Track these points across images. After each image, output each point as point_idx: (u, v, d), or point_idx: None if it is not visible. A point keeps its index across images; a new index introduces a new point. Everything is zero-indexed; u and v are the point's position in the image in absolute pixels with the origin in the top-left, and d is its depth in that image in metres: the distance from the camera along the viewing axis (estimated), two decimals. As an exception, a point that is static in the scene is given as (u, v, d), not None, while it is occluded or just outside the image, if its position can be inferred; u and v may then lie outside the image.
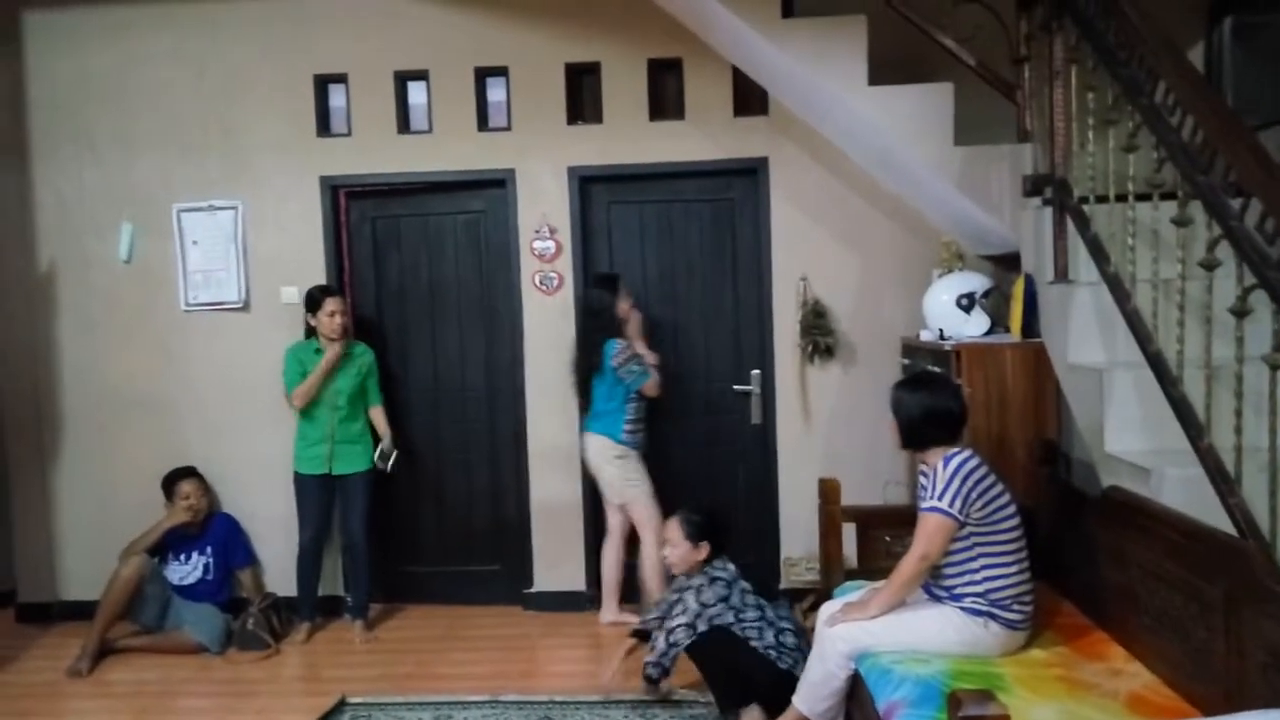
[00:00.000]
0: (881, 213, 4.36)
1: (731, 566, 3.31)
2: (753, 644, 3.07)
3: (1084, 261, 3.23)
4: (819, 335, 4.33)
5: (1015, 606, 2.65)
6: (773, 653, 3.06)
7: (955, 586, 2.68)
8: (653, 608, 3.54)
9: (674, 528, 3.38)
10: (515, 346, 4.55)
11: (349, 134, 4.55)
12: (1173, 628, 2.38)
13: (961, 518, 2.61)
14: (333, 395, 4.28)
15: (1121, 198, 2.86)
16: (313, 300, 4.29)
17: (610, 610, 4.29)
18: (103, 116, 4.58)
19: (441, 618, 4.51)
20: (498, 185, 4.53)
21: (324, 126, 4.57)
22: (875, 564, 3.34)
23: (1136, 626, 2.58)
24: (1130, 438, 2.79)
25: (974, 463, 2.68)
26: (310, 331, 4.34)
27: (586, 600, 4.53)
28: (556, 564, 4.56)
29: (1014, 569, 2.67)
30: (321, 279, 4.56)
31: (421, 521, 4.73)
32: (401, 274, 4.71)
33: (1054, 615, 2.91)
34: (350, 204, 4.72)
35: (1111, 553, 2.72)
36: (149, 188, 4.59)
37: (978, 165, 3.59)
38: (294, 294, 4.56)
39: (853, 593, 3.09)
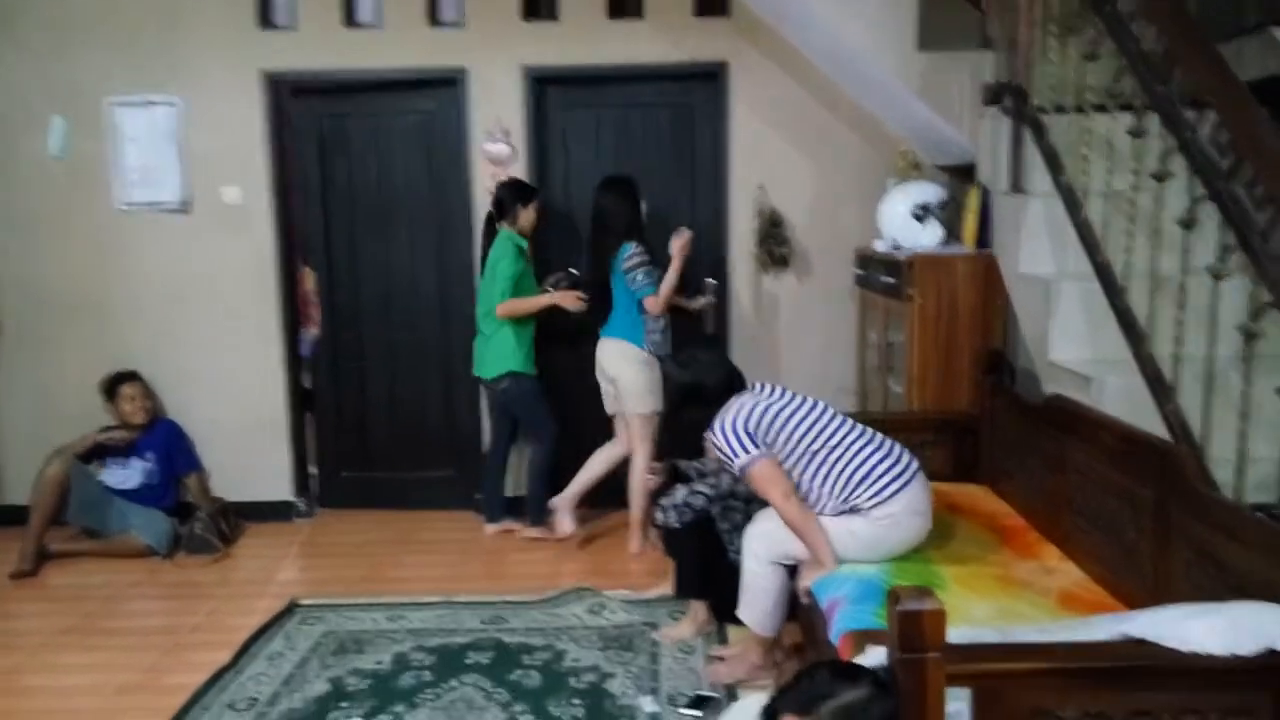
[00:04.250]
0: (842, 121, 4.31)
1: None
2: (729, 550, 3.11)
3: (1038, 172, 3.23)
4: (774, 245, 4.32)
5: (867, 487, 2.61)
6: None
7: (810, 506, 2.69)
8: (693, 462, 3.35)
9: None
10: (468, 253, 4.47)
11: (292, 26, 4.34)
12: (1104, 528, 2.46)
13: (764, 450, 2.63)
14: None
15: (1080, 108, 2.85)
16: (523, 193, 4.11)
17: (564, 508, 4.14)
18: (31, 2, 4.31)
19: (395, 522, 4.53)
20: (449, 84, 4.38)
21: (266, 18, 4.36)
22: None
23: (1070, 527, 2.67)
24: (1073, 347, 2.85)
25: (735, 410, 2.67)
26: (490, 222, 4.19)
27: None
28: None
29: (844, 456, 2.64)
30: (265, 180, 4.42)
31: (374, 428, 4.70)
32: (349, 176, 4.57)
33: (994, 517, 3.00)
34: (294, 102, 4.54)
35: (1051, 458, 2.79)
36: (82, 80, 4.36)
37: (939, 72, 3.54)
38: (236, 194, 4.42)
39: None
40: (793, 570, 2.78)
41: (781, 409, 2.69)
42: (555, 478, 4.22)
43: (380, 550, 4.20)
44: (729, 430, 2.65)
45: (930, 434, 3.38)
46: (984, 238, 3.45)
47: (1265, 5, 3.36)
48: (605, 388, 4.09)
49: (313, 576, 3.95)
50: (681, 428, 2.91)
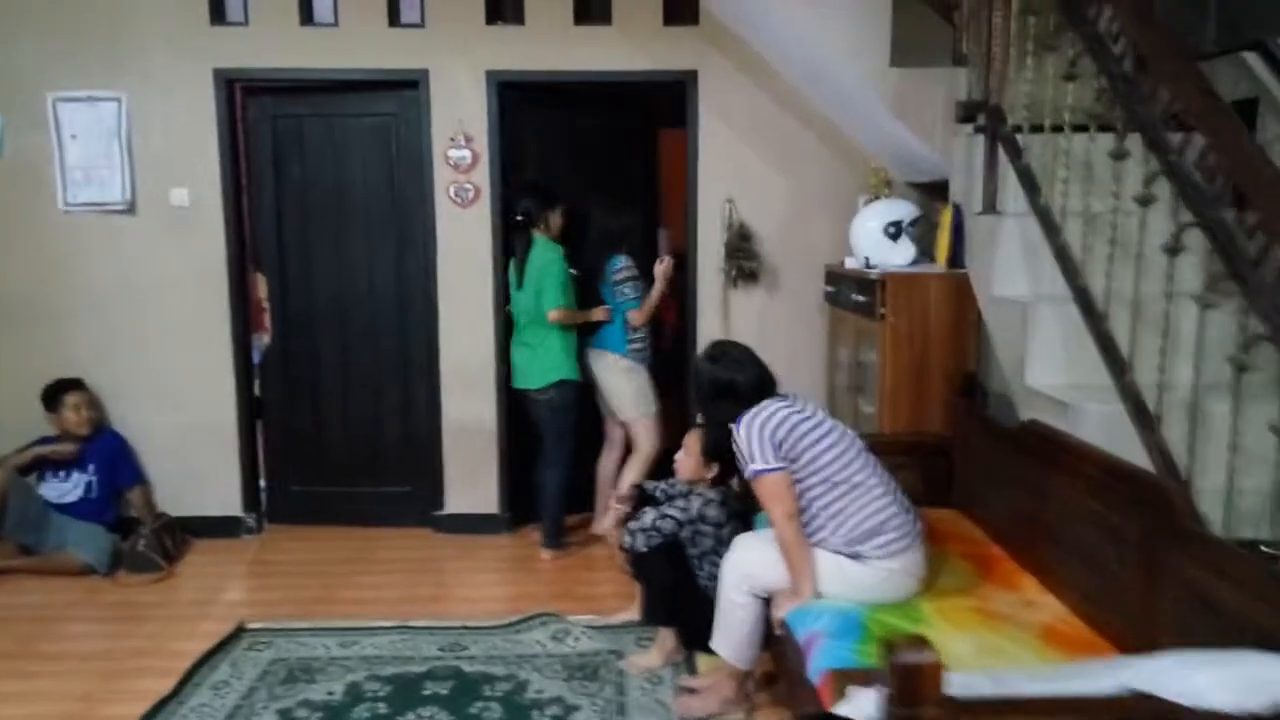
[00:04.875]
0: (812, 134, 4.25)
1: (736, 505, 3.18)
2: (699, 576, 3.01)
3: (1013, 192, 3.18)
4: (743, 259, 4.25)
5: (876, 538, 2.52)
6: (714, 589, 2.99)
7: (811, 533, 2.60)
8: (664, 481, 3.38)
9: (694, 438, 3.23)
10: (428, 260, 4.33)
11: (245, 23, 4.17)
12: (1086, 561, 2.41)
13: (784, 464, 2.55)
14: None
15: (1058, 128, 2.81)
16: (548, 197, 4.05)
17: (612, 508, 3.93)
18: (-36, -11, 4.10)
19: (348, 539, 4.36)
20: (410, 87, 4.24)
21: (218, 14, 4.18)
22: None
23: (1049, 558, 2.61)
24: (1050, 372, 2.80)
25: (769, 413, 2.59)
26: (524, 228, 4.02)
27: (501, 524, 4.44)
28: (469, 485, 4.44)
29: (860, 501, 2.55)
30: (216, 181, 4.25)
31: (328, 440, 4.53)
32: (305, 179, 4.41)
33: (969, 545, 2.94)
34: (248, 101, 4.37)
35: (1028, 485, 2.74)
36: (21, 74, 4.14)
37: (912, 88, 3.50)
38: (184, 196, 4.24)
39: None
40: (767, 599, 2.70)
41: (812, 429, 2.60)
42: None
43: (333, 569, 4.04)
44: (754, 432, 2.56)
45: (902, 456, 3.30)
46: (957, 257, 3.41)
47: (1224, 30, 3.37)
48: (598, 396, 4.20)
49: (261, 597, 3.79)
50: (713, 421, 2.83)
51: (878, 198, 3.89)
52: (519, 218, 4.01)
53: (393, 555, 4.20)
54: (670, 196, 5.13)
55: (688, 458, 3.26)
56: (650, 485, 3.41)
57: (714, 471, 3.22)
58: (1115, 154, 2.47)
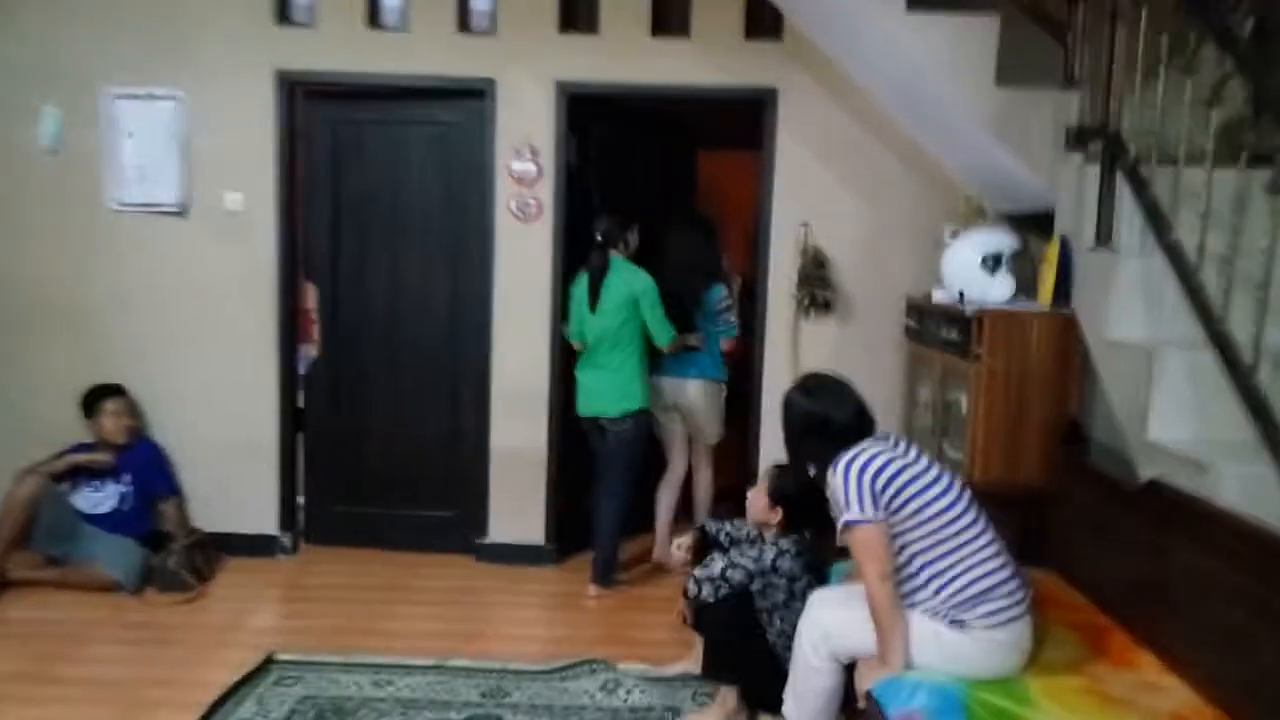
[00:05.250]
0: (895, 159, 4.00)
1: (811, 555, 2.92)
2: (768, 631, 2.75)
3: (1128, 227, 2.93)
4: (817, 287, 3.99)
5: (982, 605, 2.24)
6: (784, 646, 2.72)
7: (907, 594, 2.32)
8: (728, 521, 3.19)
9: (764, 481, 3.03)
10: (485, 276, 4.13)
11: (310, 24, 4.04)
12: (1225, 643, 2.11)
13: (884, 516, 2.26)
14: None
15: (1198, 159, 2.53)
16: (627, 218, 3.93)
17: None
18: (28, -19, 4.01)
19: (387, 564, 4.15)
20: (476, 96, 4.07)
21: (283, 14, 4.05)
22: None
23: (1173, 635, 2.31)
24: (1178, 426, 2.50)
25: (869, 457, 2.30)
26: (601, 248, 3.85)
27: (546, 555, 4.19)
28: (514, 514, 4.20)
29: (968, 562, 2.27)
30: (271, 186, 4.10)
31: (371, 459, 4.33)
32: (362, 188, 4.24)
33: (1072, 612, 2.64)
34: (308, 105, 4.23)
35: (1148, 551, 2.44)
36: (79, 68, 4.04)
37: (1018, 111, 3.23)
38: (238, 200, 4.09)
39: (843, 580, 2.82)
40: (849, 664, 2.42)
41: (917, 478, 2.32)
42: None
43: (369, 597, 3.82)
44: (853, 477, 2.29)
45: (993, 508, 3.01)
46: (1060, 294, 3.12)
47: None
48: (668, 421, 4.13)
49: (293, 625, 3.57)
50: (799, 460, 2.57)
51: (970, 227, 3.62)
52: (598, 238, 3.83)
53: (432, 584, 3.97)
54: (726, 221, 4.95)
55: (758, 497, 3.02)
56: (713, 526, 3.16)
57: (778, 517, 2.97)
58: (1274, 187, 2.19)
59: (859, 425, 2.43)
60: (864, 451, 2.33)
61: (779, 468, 2.98)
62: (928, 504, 2.29)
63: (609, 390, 3.81)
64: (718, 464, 4.27)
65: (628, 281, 3.77)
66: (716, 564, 2.80)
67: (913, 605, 2.30)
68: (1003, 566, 2.29)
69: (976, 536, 2.30)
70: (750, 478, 4.19)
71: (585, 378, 3.89)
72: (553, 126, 4.04)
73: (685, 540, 3.14)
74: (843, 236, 4.05)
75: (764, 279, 4.11)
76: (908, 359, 3.88)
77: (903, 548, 2.30)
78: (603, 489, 3.88)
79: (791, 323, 4.09)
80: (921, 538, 2.28)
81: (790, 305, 4.07)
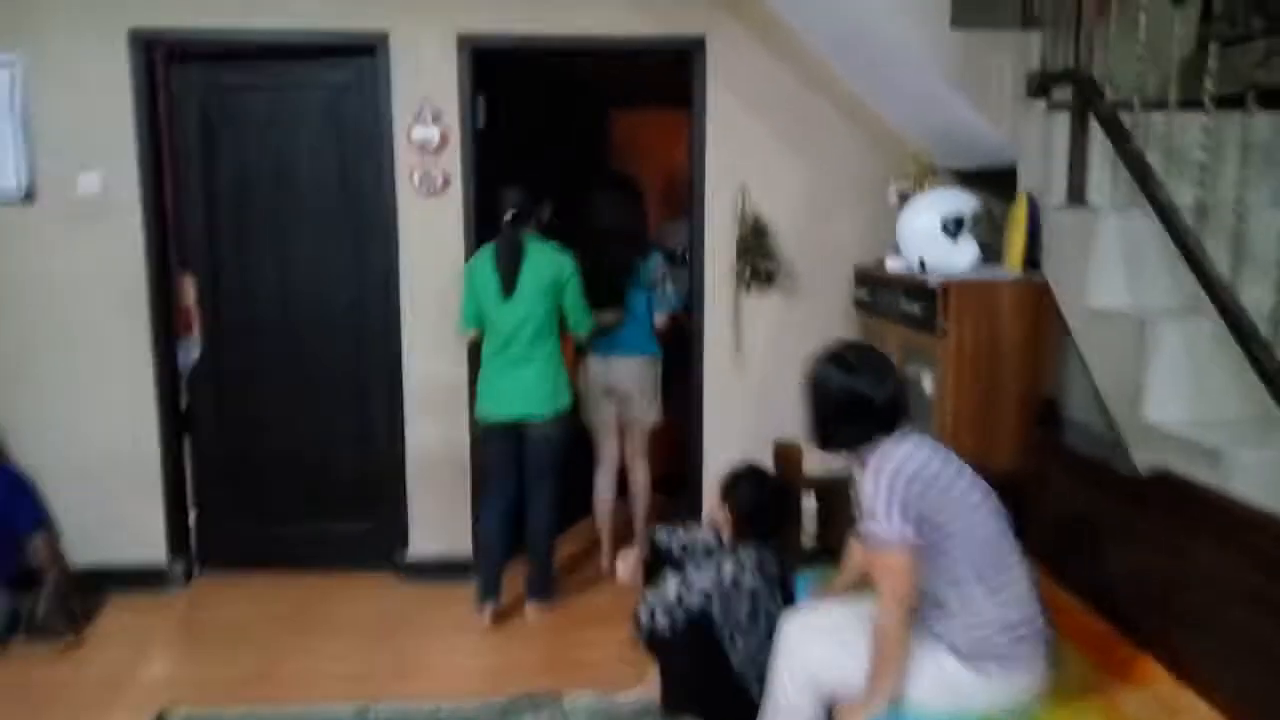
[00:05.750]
0: (837, 114, 3.67)
1: (774, 565, 2.57)
2: (731, 653, 2.42)
3: (1101, 182, 2.66)
4: (759, 258, 3.65)
5: (1013, 646, 1.96)
6: (750, 671, 2.41)
7: (925, 625, 2.02)
8: (679, 530, 2.82)
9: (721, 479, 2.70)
10: (389, 261, 3.68)
11: (166, -28, 3.48)
12: (1252, 655, 1.86)
13: (916, 535, 1.94)
14: None
15: (1194, 103, 2.26)
16: (536, 191, 3.44)
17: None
18: None
19: (295, 589, 3.70)
20: (366, 53, 3.58)
21: (133, -39, 3.48)
22: (839, 543, 2.75)
23: (1188, 646, 2.06)
24: (1176, 405, 2.26)
25: (917, 465, 1.98)
26: (513, 225, 3.33)
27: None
28: (438, 524, 3.80)
29: (1006, 595, 1.98)
30: (133, 164, 3.57)
31: (267, 469, 3.86)
32: (241, 163, 3.72)
33: (1065, 616, 2.36)
34: (172, 69, 3.67)
35: (1151, 547, 2.20)
36: (-113, 32, 3.41)
37: (977, 55, 2.92)
38: (94, 182, 3.54)
39: (812, 592, 2.52)
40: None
41: (963, 494, 1.99)
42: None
43: (276, 631, 3.38)
44: (887, 486, 1.94)
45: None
46: (1028, 260, 2.85)
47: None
48: (598, 407, 3.82)
49: (189, 673, 3.12)
50: (826, 442, 2.16)
51: (917, 188, 3.33)
52: (508, 214, 3.33)
53: (349, 611, 3.55)
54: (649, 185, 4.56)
55: (712, 497, 2.71)
56: (664, 537, 2.82)
57: (725, 517, 2.66)
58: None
59: (899, 406, 2.08)
60: (907, 456, 1.98)
61: (735, 476, 2.65)
62: (973, 526, 1.97)
63: (537, 388, 3.35)
64: (649, 450, 3.94)
65: (553, 263, 3.34)
66: (670, 586, 2.47)
67: (935, 638, 1.99)
68: (1034, 600, 2.01)
69: (1017, 564, 2.01)
70: (691, 466, 3.88)
71: (501, 377, 3.37)
72: (456, 86, 3.58)
73: (633, 554, 2.80)
74: (783, 200, 3.71)
75: (699, 248, 3.75)
76: (859, 333, 3.58)
77: (935, 573, 1.97)
78: (532, 497, 3.45)
79: (732, 297, 3.75)
80: (959, 563, 1.96)
81: (729, 278, 3.72)
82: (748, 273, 3.67)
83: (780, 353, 3.76)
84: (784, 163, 3.70)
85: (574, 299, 3.39)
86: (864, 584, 2.20)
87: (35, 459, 3.63)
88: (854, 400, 2.06)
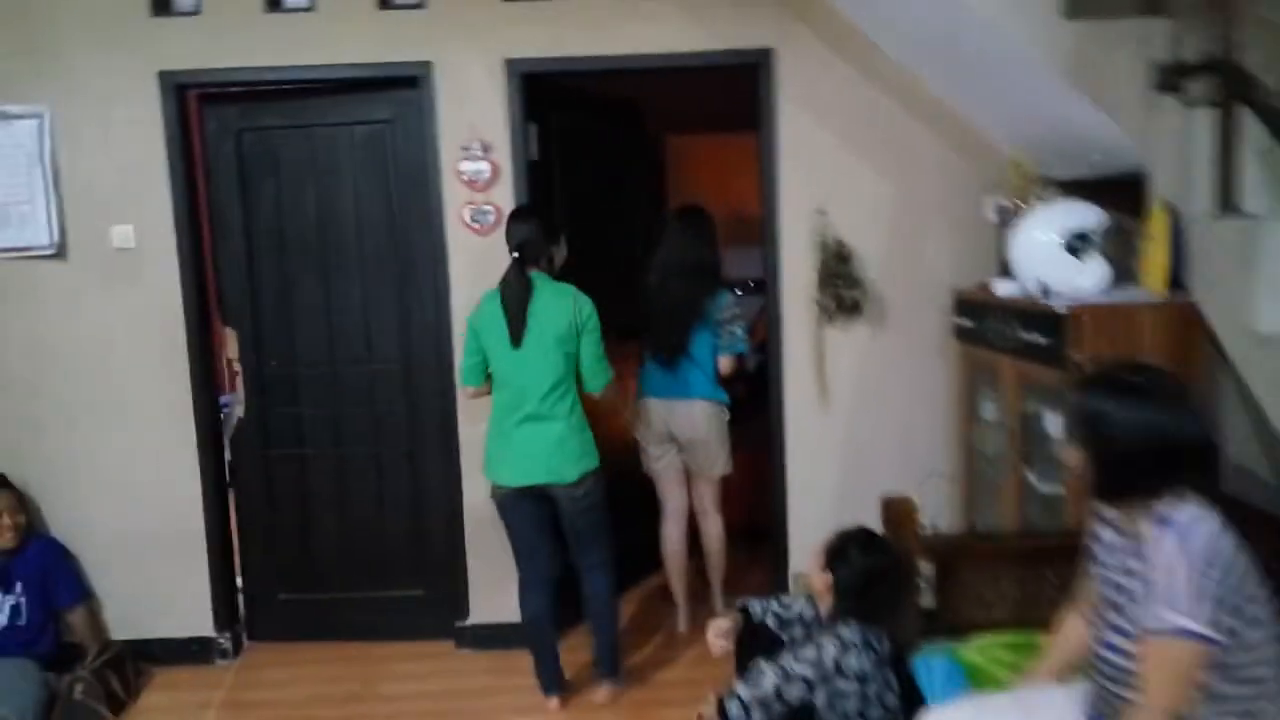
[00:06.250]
0: (922, 123, 3.33)
1: (886, 644, 2.22)
2: None
3: (1257, 185, 2.28)
4: (843, 287, 3.32)
5: None
6: None
7: None
8: (773, 601, 2.47)
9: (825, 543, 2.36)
10: (439, 304, 3.41)
11: (196, 10, 3.28)
12: None
13: (1220, 636, 1.54)
14: None
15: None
16: (551, 227, 3.06)
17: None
18: None
19: (349, 663, 3.42)
20: (409, 85, 3.34)
21: (160, 2, 3.29)
22: (962, 616, 2.38)
23: None
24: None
25: (1230, 543, 1.60)
26: (519, 265, 2.95)
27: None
28: (498, 588, 3.45)
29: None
30: (168, 215, 3.38)
31: (317, 536, 3.60)
32: (280, 208, 3.50)
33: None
34: (205, 112, 3.48)
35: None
36: (-87, 86, 3.26)
37: (1094, 48, 2.56)
38: (128, 235, 3.35)
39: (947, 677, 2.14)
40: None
41: (1261, 581, 1.61)
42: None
43: (330, 710, 3.10)
44: (1202, 567, 1.55)
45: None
46: (1175, 278, 2.47)
47: None
48: (662, 453, 3.52)
49: (234, 765, 2.86)
50: (1111, 493, 1.73)
51: (1020, 201, 2.97)
52: (514, 252, 2.96)
53: (407, 687, 3.26)
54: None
55: (814, 558, 2.35)
56: (758, 608, 2.46)
57: (826, 584, 2.29)
58: None
59: (1206, 454, 1.70)
60: (1220, 529, 1.60)
61: (844, 538, 2.30)
62: (1270, 618, 1.60)
63: (558, 450, 2.92)
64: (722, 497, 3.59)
65: (568, 307, 2.93)
66: (766, 677, 2.12)
67: None
68: None
69: None
70: (775, 519, 3.53)
71: (516, 436, 2.95)
72: (506, 116, 3.32)
73: (724, 625, 2.44)
74: (866, 222, 3.37)
75: (774, 281, 3.43)
76: (960, 366, 3.21)
77: (1221, 671, 1.58)
78: (583, 564, 3.07)
79: (813, 331, 3.40)
80: (1248, 664, 1.59)
81: (810, 310, 3.39)
82: (832, 303, 3.33)
83: (869, 389, 3.42)
84: (865, 181, 3.37)
85: (591, 349, 2.97)
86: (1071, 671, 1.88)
87: (73, 530, 3.42)
88: (1158, 438, 1.63)
